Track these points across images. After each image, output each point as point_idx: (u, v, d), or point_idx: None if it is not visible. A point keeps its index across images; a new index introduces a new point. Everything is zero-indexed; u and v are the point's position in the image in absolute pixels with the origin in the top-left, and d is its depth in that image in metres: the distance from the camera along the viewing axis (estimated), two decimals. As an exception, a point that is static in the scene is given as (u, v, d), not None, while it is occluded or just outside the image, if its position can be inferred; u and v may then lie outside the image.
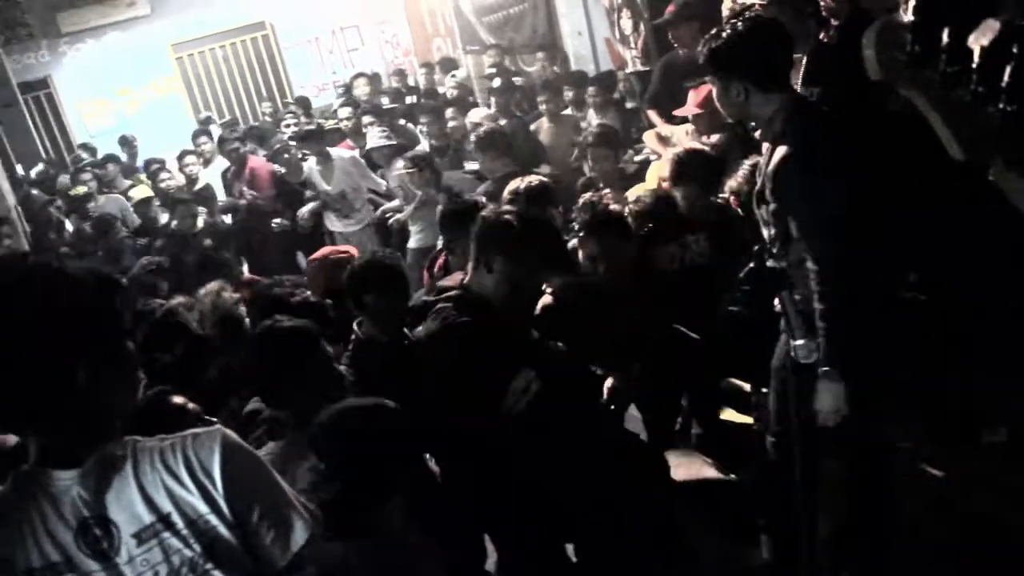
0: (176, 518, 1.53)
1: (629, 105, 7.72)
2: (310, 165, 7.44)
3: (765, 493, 2.36)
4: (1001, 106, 2.19)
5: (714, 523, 3.60)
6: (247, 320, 3.75)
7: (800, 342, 2.18)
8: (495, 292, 2.80)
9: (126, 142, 10.85)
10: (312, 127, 7.63)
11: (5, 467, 1.57)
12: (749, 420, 4.00)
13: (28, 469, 1.53)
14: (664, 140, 6.29)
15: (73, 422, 1.52)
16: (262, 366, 2.80)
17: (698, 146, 4.50)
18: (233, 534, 1.57)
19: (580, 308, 3.51)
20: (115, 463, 1.53)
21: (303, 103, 10.67)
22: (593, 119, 7.37)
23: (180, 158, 8.66)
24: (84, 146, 11.31)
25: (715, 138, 4.93)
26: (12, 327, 1.44)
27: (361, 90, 9.55)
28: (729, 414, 4.34)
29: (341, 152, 7.52)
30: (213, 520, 1.56)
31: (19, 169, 10.55)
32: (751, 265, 2.18)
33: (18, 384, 1.45)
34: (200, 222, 7.22)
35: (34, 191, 8.39)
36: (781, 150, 2.58)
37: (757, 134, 2.82)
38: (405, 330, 3.37)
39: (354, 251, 4.53)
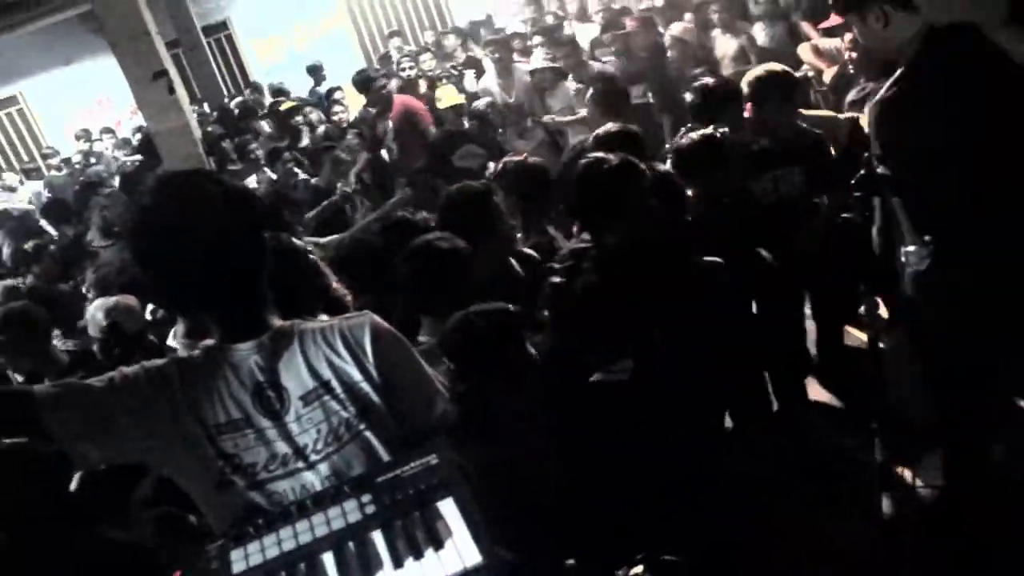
0: (335, 384, 1.78)
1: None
2: (487, 79, 7.56)
3: (879, 398, 2.39)
4: None
5: (830, 426, 3.66)
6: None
7: (911, 248, 2.17)
8: None
9: (315, 70, 11.13)
10: (499, 36, 7.60)
11: None
12: (863, 336, 3.95)
13: (213, 344, 1.82)
14: (821, 54, 6.09)
15: (253, 301, 1.81)
16: (417, 278, 3.03)
17: None
18: (382, 400, 1.82)
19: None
20: (284, 338, 1.79)
21: (460, 33, 10.77)
22: (760, 32, 7.20)
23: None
24: (251, 84, 11.97)
25: (831, 43, 4.70)
26: (226, 228, 1.73)
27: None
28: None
29: (521, 65, 7.58)
30: (366, 387, 1.80)
31: (206, 107, 11.33)
32: (863, 172, 2.18)
33: (225, 271, 1.74)
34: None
35: (209, 128, 8.97)
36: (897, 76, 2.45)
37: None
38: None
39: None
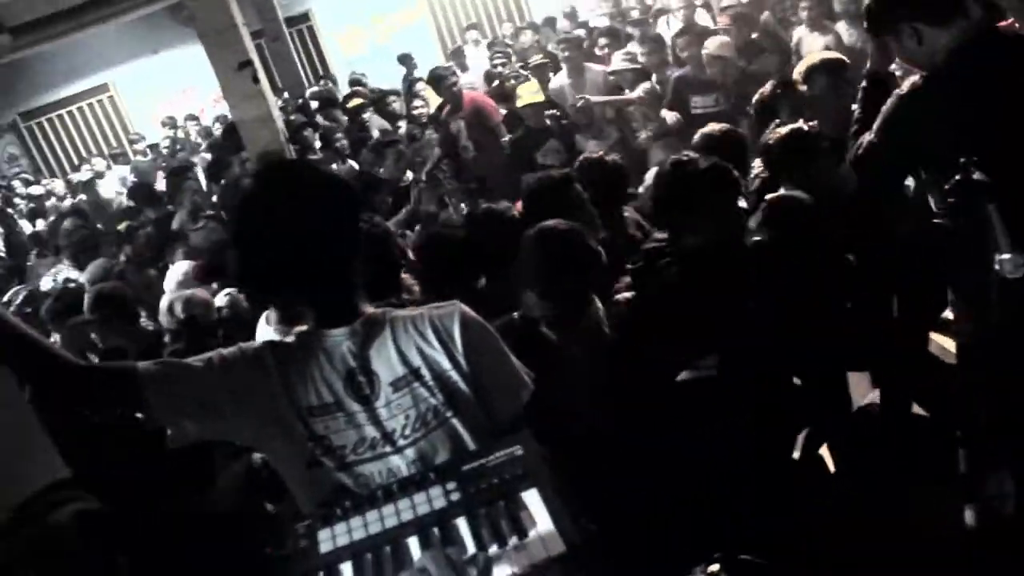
0: (424, 372, 1.82)
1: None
2: (560, 77, 7.42)
3: (965, 408, 2.34)
4: None
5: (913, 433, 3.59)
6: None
7: (1007, 256, 2.12)
8: None
9: (405, 59, 11.16)
10: (577, 34, 7.44)
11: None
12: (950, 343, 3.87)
13: (308, 329, 1.87)
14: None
15: (348, 288, 1.86)
16: (542, 265, 2.95)
17: None
18: (469, 389, 1.85)
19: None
20: (375, 325, 1.85)
21: (537, 29, 10.70)
22: (844, 31, 7.02)
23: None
24: (327, 75, 12.16)
25: None
26: (325, 215, 1.79)
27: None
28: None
29: (593, 66, 7.44)
30: (454, 376, 1.83)
31: (286, 95, 11.55)
32: (957, 177, 2.14)
33: (323, 257, 1.79)
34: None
35: (292, 117, 9.14)
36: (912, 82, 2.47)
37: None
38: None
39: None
